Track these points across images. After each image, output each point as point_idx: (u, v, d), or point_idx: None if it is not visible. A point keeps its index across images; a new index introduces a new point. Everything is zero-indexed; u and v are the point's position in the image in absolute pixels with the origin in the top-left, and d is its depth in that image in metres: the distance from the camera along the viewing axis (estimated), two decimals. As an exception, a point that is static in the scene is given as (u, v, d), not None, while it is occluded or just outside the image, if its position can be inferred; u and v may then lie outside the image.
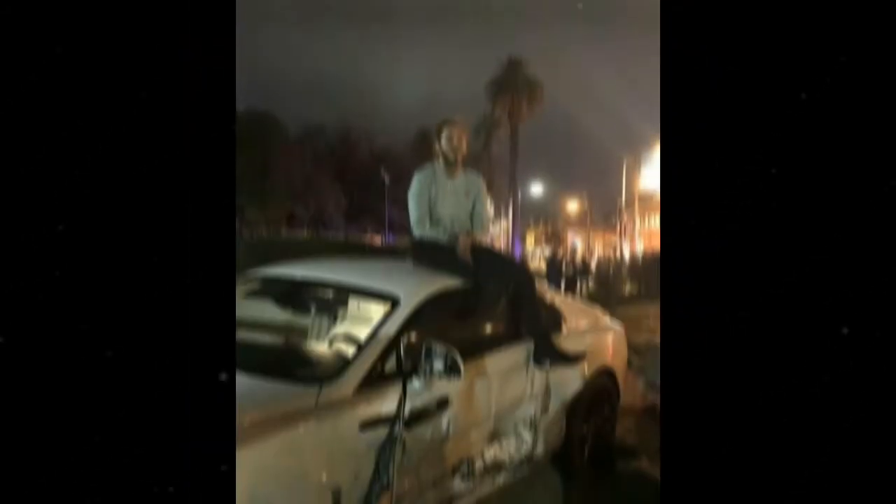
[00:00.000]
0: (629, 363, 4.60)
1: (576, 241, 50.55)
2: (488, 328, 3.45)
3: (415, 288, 3.04)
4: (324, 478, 2.24)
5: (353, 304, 3.48)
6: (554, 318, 3.83)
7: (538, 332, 3.42)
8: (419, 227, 3.57)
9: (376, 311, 3.20)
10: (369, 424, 2.40)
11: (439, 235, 3.51)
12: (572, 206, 55.17)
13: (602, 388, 4.03)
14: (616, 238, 40.69)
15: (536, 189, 45.97)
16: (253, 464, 2.00)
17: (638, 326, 10.12)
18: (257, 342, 3.27)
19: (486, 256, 3.49)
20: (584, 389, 3.79)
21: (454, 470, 2.91)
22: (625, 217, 37.33)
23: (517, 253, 37.44)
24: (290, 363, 2.82)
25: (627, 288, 19.62)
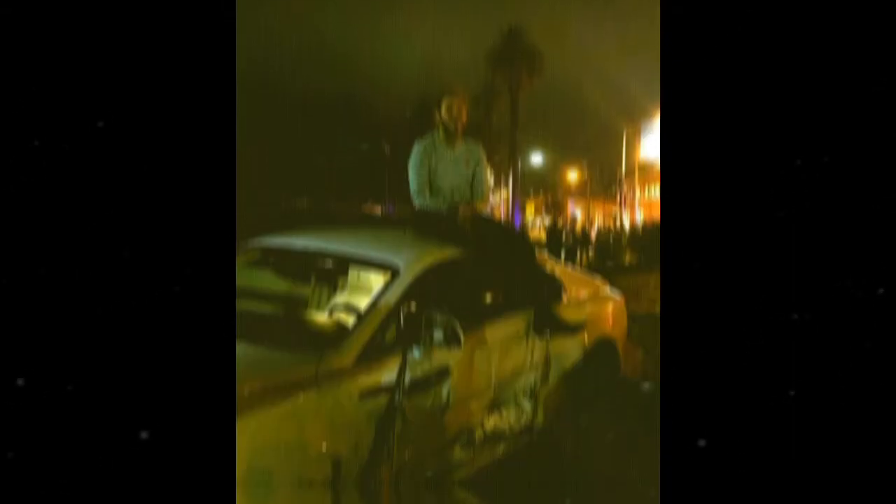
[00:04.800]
0: (629, 333, 4.60)
1: (576, 210, 50.38)
2: (488, 298, 3.44)
3: (415, 258, 3.03)
4: (324, 447, 2.24)
5: (354, 273, 3.47)
6: (554, 288, 3.81)
7: (538, 301, 3.42)
8: (419, 196, 3.55)
9: (376, 280, 3.19)
10: (369, 394, 2.41)
11: (439, 205, 3.50)
12: (572, 175, 54.92)
13: (602, 357, 4.04)
14: (616, 208, 40.61)
15: (536, 159, 45.71)
16: (253, 433, 2.01)
17: (638, 296, 10.14)
18: (257, 312, 3.27)
19: (486, 226, 3.47)
20: (583, 359, 3.80)
21: (454, 439, 2.92)
22: (625, 187, 37.22)
23: (517, 222, 37.41)
24: (290, 333, 2.81)
25: (627, 258, 19.64)
